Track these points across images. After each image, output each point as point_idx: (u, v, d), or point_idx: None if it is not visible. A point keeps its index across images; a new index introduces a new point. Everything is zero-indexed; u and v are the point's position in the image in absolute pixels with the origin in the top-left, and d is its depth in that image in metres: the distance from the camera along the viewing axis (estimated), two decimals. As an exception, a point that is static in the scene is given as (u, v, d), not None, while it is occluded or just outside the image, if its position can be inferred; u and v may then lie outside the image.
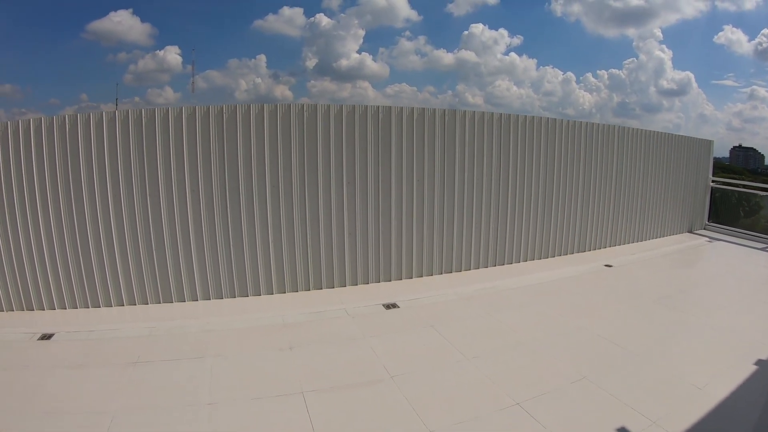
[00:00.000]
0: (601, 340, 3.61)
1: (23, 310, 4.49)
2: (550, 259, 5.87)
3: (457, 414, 2.67)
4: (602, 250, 6.43)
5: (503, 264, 5.48)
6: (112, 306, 4.38)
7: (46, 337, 3.93)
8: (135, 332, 3.92)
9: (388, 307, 4.28)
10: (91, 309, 4.40)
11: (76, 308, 4.42)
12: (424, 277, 5.00)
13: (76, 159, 4.28)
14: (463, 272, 5.19)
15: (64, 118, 4.32)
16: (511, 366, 3.19)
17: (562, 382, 2.98)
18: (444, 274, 5.09)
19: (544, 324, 3.96)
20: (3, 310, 4.53)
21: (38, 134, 4.32)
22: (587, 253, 6.24)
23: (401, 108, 4.81)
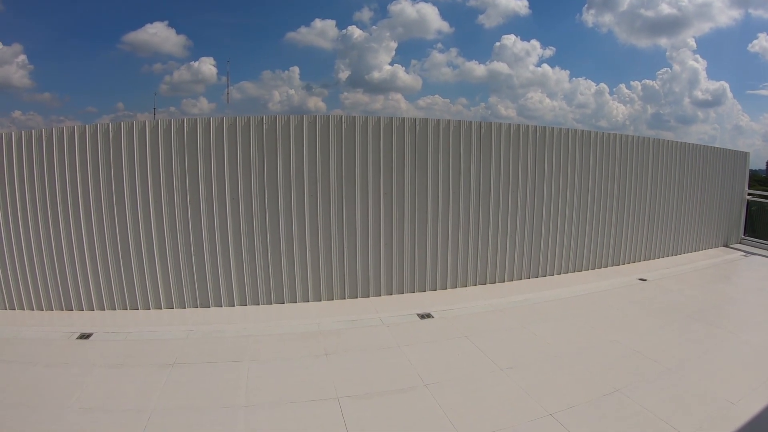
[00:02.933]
0: (634, 354, 3.53)
1: (62, 309, 4.61)
2: (584, 272, 5.76)
3: (490, 423, 2.64)
4: (636, 263, 6.30)
5: (537, 276, 5.40)
6: (150, 309, 4.46)
7: (85, 336, 4.01)
8: (172, 335, 3.98)
9: (422, 317, 4.26)
10: (129, 311, 4.50)
11: (115, 310, 4.52)
12: (459, 288, 4.96)
13: (118, 165, 4.38)
14: (497, 284, 5.13)
15: (108, 126, 4.43)
16: (544, 377, 3.15)
17: (595, 395, 2.93)
18: (478, 286, 5.04)
19: (577, 337, 3.89)
20: (43, 310, 4.65)
21: (82, 141, 4.44)
22: (621, 266, 6.12)
23: (437, 120, 4.81)
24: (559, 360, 3.43)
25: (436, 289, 4.86)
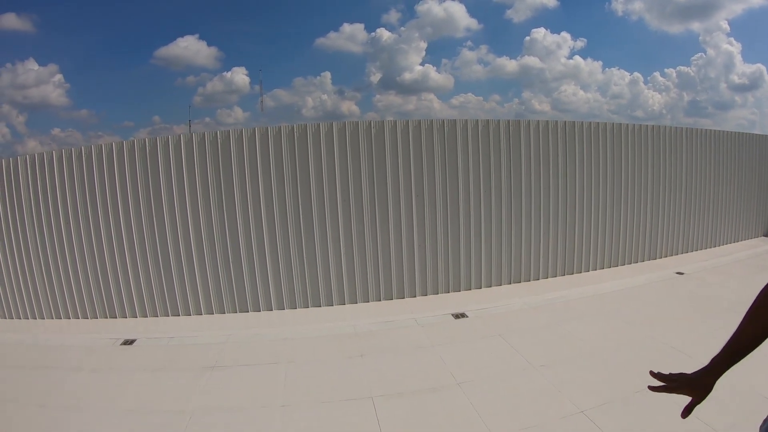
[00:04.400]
0: (670, 350, 3.43)
1: (107, 317, 4.80)
2: (619, 267, 5.64)
3: (522, 420, 2.63)
4: (673, 257, 6.13)
5: (572, 273, 5.32)
6: (190, 315, 4.59)
7: (129, 342, 4.16)
8: (213, 339, 4.09)
9: (456, 316, 4.25)
10: (171, 317, 4.65)
11: (157, 316, 4.68)
12: (493, 287, 4.93)
13: (156, 177, 4.52)
14: (531, 282, 5.08)
15: (144, 141, 4.57)
16: (577, 375, 3.11)
17: (628, 392, 2.86)
18: (512, 284, 5.00)
19: (611, 334, 3.82)
20: (88, 318, 4.84)
21: (120, 156, 4.59)
22: (658, 260, 5.97)
23: (466, 120, 4.78)
24: (592, 357, 3.38)
25: (470, 289, 4.84)
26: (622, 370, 3.16)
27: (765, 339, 0.98)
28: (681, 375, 1.07)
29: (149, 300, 4.61)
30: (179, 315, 4.56)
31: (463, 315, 4.28)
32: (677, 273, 5.50)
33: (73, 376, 3.67)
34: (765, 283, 0.99)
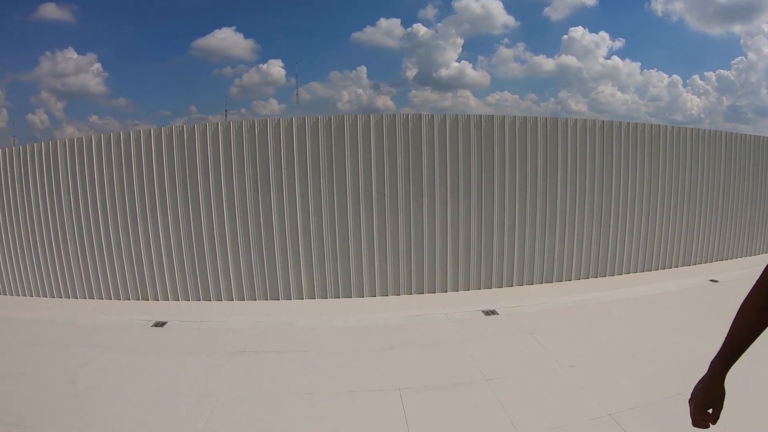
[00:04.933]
0: (700, 359, 3.28)
1: (139, 299, 4.87)
2: (652, 272, 5.51)
3: (549, 420, 2.58)
4: (708, 264, 5.97)
5: (604, 276, 5.22)
6: (222, 300, 4.64)
7: (160, 324, 4.21)
8: (243, 325, 4.12)
9: (487, 313, 4.20)
10: (202, 301, 4.70)
11: (189, 300, 4.74)
12: (525, 286, 4.86)
13: (192, 164, 4.56)
14: (563, 282, 5.00)
15: (182, 127, 4.61)
16: (605, 377, 3.04)
17: (657, 397, 2.77)
18: (544, 284, 4.93)
19: (641, 338, 3.72)
20: (120, 299, 4.92)
21: (158, 142, 4.65)
22: (692, 266, 5.81)
23: (503, 116, 4.72)
24: (621, 360, 3.30)
25: (502, 286, 4.79)
26: (651, 375, 3.08)
27: (758, 334, 0.99)
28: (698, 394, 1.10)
29: (182, 284, 4.67)
30: (210, 300, 4.61)
31: (493, 312, 4.23)
32: (711, 281, 5.35)
33: (103, 355, 3.74)
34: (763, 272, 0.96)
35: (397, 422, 2.57)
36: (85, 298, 5.05)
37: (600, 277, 5.21)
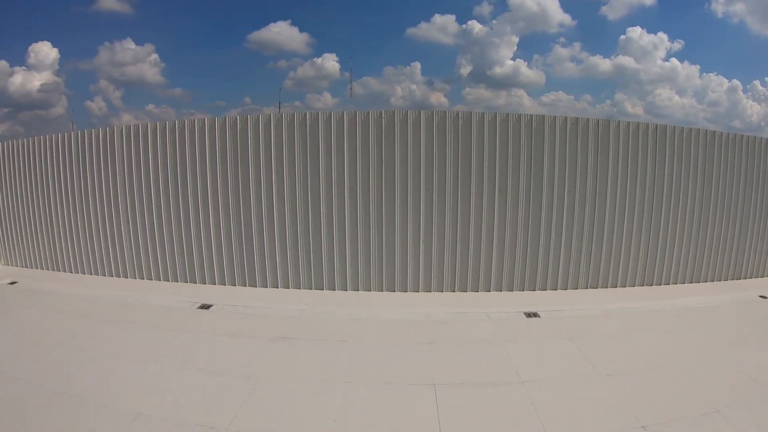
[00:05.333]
0: (740, 375, 3.22)
1: (187, 282, 5.04)
2: (701, 283, 5.32)
3: (580, 427, 2.57)
4: (759, 278, 5.70)
5: (650, 284, 5.07)
6: (267, 287, 4.77)
7: (205, 307, 4.36)
8: (286, 312, 4.23)
9: (529, 315, 4.17)
10: (248, 287, 4.84)
11: (235, 285, 4.89)
12: (569, 290, 4.78)
13: (245, 154, 4.68)
14: (608, 289, 4.89)
15: (236, 118, 4.73)
16: (641, 388, 2.98)
17: (692, 412, 2.74)
18: (589, 289, 4.83)
19: (683, 351, 3.63)
20: (169, 281, 5.10)
21: (212, 131, 4.78)
22: (742, 281, 5.58)
23: (554, 117, 4.65)
24: (660, 372, 3.23)
25: (545, 289, 4.72)
26: (690, 390, 3.01)
27: None
28: None
29: (229, 269, 4.80)
30: (256, 286, 4.73)
31: (535, 314, 4.20)
32: (761, 297, 5.13)
33: (149, 333, 3.94)
34: None
35: (428, 417, 2.62)
36: (135, 278, 5.26)
37: (646, 285, 5.07)
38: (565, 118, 4.65)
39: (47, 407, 2.77)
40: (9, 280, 5.54)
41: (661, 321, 4.27)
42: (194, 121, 4.87)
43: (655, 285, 5.10)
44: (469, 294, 4.62)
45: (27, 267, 6.03)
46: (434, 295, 4.58)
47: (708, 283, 5.40)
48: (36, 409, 2.76)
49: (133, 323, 4.11)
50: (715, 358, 3.54)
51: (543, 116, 4.60)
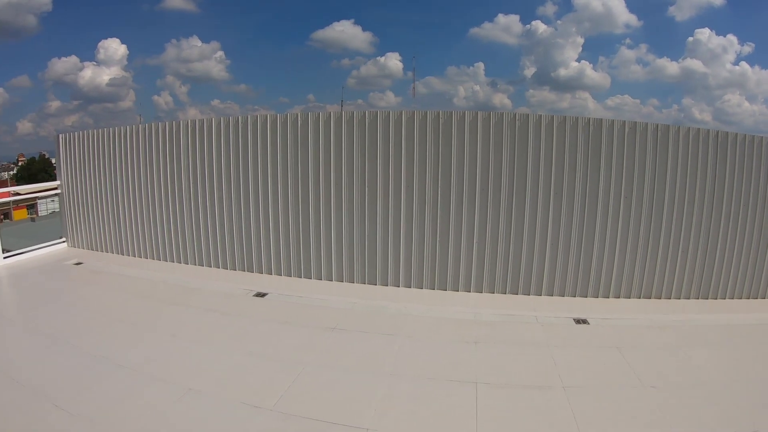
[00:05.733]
0: None
1: (244, 271, 5.29)
2: (760, 300, 5.13)
3: None
4: (824, 297, 5.45)
5: (706, 298, 4.92)
6: (321, 279, 4.95)
7: (261, 295, 4.58)
8: (338, 304, 4.38)
9: (578, 321, 4.14)
10: (303, 279, 5.04)
11: (290, 276, 5.10)
12: (621, 299, 4.72)
13: (305, 151, 4.88)
14: (662, 300, 4.79)
15: (297, 115, 4.94)
16: (686, 403, 2.91)
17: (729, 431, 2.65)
18: (641, 299, 4.75)
19: (733, 368, 3.50)
20: (227, 269, 5.37)
21: (273, 127, 5.01)
22: (806, 298, 5.34)
23: (612, 121, 4.61)
24: (706, 388, 3.14)
25: (597, 296, 4.68)
26: (738, 409, 2.90)
27: None
28: None
29: (285, 261, 5.01)
30: (311, 278, 4.92)
31: (584, 321, 4.17)
32: (827, 316, 4.90)
33: (206, 315, 4.18)
34: None
35: (467, 413, 2.68)
36: (196, 265, 5.56)
37: (701, 298, 4.92)
38: (623, 123, 4.61)
39: (106, 377, 3.04)
40: (75, 261, 5.96)
41: (715, 336, 4.15)
42: (257, 118, 5.11)
43: (711, 299, 4.94)
44: (521, 297, 4.64)
45: (91, 249, 6.47)
46: (484, 296, 4.63)
47: (768, 299, 5.20)
48: (96, 377, 3.04)
49: (191, 306, 4.37)
50: (766, 379, 3.41)
51: (600, 120, 4.57)
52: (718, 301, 4.98)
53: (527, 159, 4.47)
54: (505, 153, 4.47)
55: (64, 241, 6.72)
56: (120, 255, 6.16)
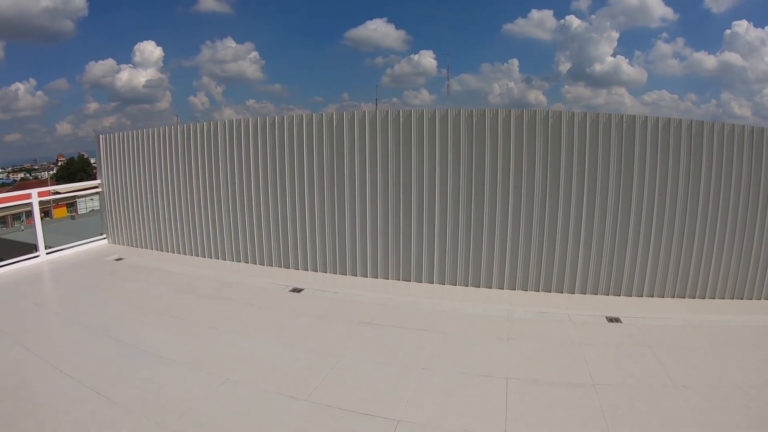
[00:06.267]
0: None
1: (281, 267, 5.47)
2: (800, 299, 5.05)
3: None
4: None
5: (741, 298, 4.86)
6: (357, 276, 5.08)
7: (297, 290, 4.73)
8: (373, 300, 4.50)
9: (611, 320, 4.16)
10: (338, 275, 5.19)
11: (326, 273, 5.25)
12: (655, 298, 4.71)
13: (341, 150, 5.02)
14: (696, 299, 4.75)
15: (332, 114, 5.08)
16: (716, 404, 2.90)
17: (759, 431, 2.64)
18: (675, 298, 4.73)
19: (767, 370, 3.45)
20: (264, 265, 5.55)
21: (309, 127, 5.16)
22: None
23: (646, 117, 4.61)
24: (738, 389, 3.12)
25: (631, 295, 4.68)
26: (766, 411, 2.89)
27: None
28: None
29: (321, 257, 5.16)
30: (346, 274, 5.06)
31: (617, 320, 4.18)
32: None
33: (244, 309, 4.34)
34: None
35: (497, 408, 2.74)
36: (233, 261, 5.76)
37: (737, 299, 4.87)
38: (657, 119, 4.60)
39: (146, 366, 3.21)
40: (115, 257, 6.23)
41: (750, 337, 4.10)
42: (293, 117, 5.28)
43: (746, 299, 4.89)
44: (553, 294, 4.67)
45: (131, 246, 6.75)
46: (517, 293, 4.68)
47: (807, 298, 5.10)
48: (137, 367, 3.20)
49: (229, 300, 4.55)
50: None
51: (634, 116, 4.58)
52: (754, 301, 4.91)
53: (560, 156, 4.51)
54: (538, 150, 4.52)
55: (104, 238, 7.02)
56: (159, 251, 6.41)
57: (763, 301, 4.95)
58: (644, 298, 4.71)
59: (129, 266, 5.90)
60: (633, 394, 3.01)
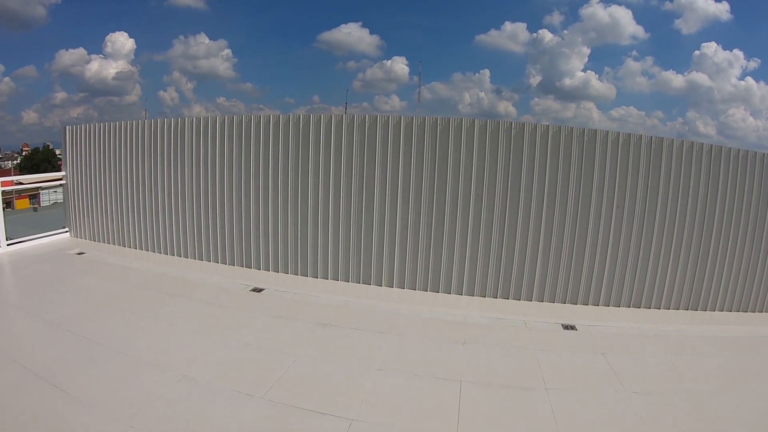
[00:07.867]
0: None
1: (242, 266, 5.42)
2: (749, 313, 5.20)
3: None
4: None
5: (695, 309, 4.99)
6: (317, 278, 5.06)
7: (257, 290, 4.70)
8: (332, 302, 4.51)
9: (566, 327, 4.23)
10: (299, 276, 5.16)
11: (287, 273, 5.22)
12: (610, 307, 4.80)
13: (305, 152, 4.99)
14: (651, 309, 4.86)
15: (299, 117, 5.06)
16: (666, 411, 2.96)
17: None
18: (631, 308, 4.83)
19: (721, 382, 3.55)
20: (226, 264, 5.47)
21: (276, 128, 5.12)
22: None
23: (606, 132, 4.70)
24: (689, 396, 3.20)
25: (587, 304, 4.76)
26: (715, 419, 2.96)
27: None
28: None
29: (283, 258, 5.12)
30: (307, 276, 5.03)
31: (572, 327, 4.25)
32: (816, 331, 4.94)
33: (204, 308, 4.31)
34: None
35: (450, 409, 2.78)
36: (195, 259, 5.67)
37: (691, 309, 5.00)
38: (618, 133, 4.70)
39: (105, 361, 3.18)
40: (77, 251, 6.08)
41: (703, 347, 4.21)
42: (260, 117, 5.23)
43: (700, 310, 5.02)
44: (511, 301, 4.72)
45: (94, 240, 6.59)
46: (475, 299, 4.72)
47: (758, 313, 5.25)
48: (96, 362, 3.18)
49: (190, 298, 4.50)
50: (753, 390, 3.44)
51: (595, 130, 4.66)
52: (707, 312, 5.05)
53: (521, 167, 4.57)
54: (501, 160, 4.57)
55: (66, 231, 6.85)
56: (122, 247, 6.28)
57: (716, 313, 5.09)
58: (600, 307, 4.79)
59: (91, 261, 5.77)
60: (584, 398, 3.07)
